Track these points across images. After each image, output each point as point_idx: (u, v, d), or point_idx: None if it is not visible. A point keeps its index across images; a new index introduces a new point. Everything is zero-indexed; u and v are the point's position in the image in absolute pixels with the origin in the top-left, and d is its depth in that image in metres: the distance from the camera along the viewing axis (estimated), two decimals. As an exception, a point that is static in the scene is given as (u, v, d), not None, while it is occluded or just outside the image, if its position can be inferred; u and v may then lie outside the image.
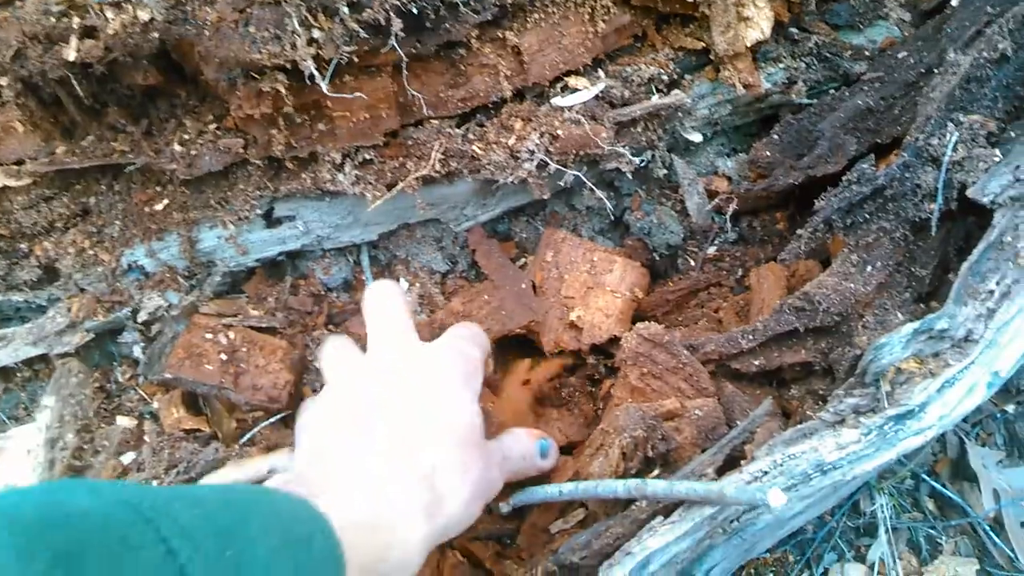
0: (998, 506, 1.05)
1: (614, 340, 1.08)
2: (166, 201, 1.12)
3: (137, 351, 1.16)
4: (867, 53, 1.17)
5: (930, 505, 1.08)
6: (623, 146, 1.08)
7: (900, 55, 1.13)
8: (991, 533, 1.04)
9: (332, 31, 0.95)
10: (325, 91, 0.96)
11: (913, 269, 0.98)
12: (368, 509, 0.68)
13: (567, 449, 1.05)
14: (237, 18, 0.96)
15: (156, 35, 0.98)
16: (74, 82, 1.02)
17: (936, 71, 1.04)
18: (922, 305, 0.97)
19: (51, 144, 1.10)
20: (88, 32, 0.99)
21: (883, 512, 1.06)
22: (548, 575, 0.92)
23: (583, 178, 1.08)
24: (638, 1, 1.09)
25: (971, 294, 0.87)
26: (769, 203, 1.17)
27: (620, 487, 0.88)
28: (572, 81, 1.10)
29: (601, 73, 1.11)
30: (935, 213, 0.94)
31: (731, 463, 0.89)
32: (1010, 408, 1.11)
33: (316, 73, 0.95)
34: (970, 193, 0.90)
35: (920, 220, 0.96)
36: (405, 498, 0.72)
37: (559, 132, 1.07)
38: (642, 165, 1.13)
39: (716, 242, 1.18)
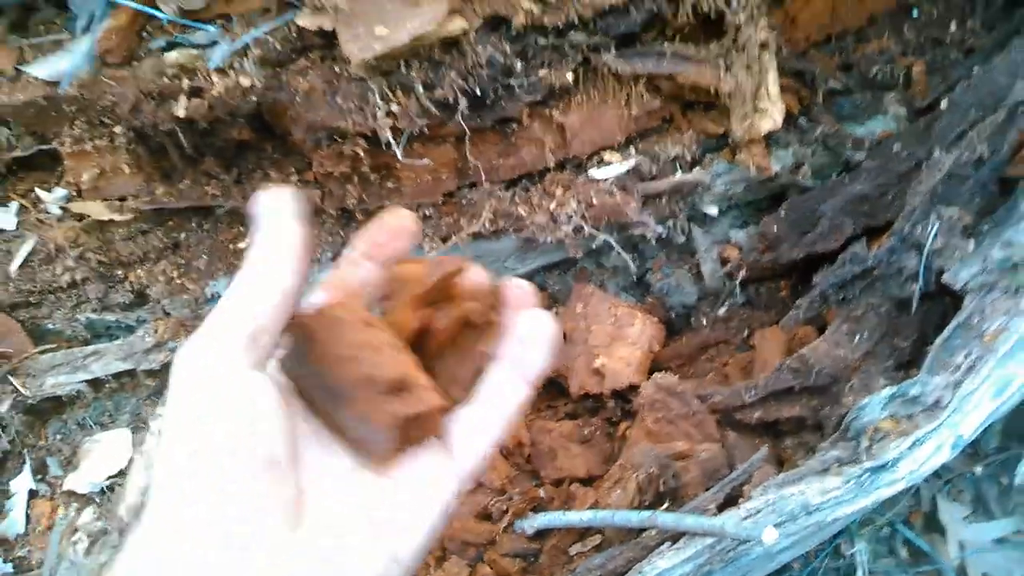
0: (962, 556, 1.19)
1: (632, 387, 1.23)
2: (249, 240, 1.28)
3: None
4: (867, 144, 1.32)
5: (903, 552, 1.22)
6: (649, 215, 1.24)
7: (895, 147, 1.28)
8: (956, 578, 1.18)
9: (408, 106, 1.11)
10: (399, 157, 1.12)
11: (896, 340, 1.13)
12: None
13: (587, 481, 1.20)
14: (326, 89, 1.13)
15: (254, 98, 1.15)
16: (179, 134, 1.19)
17: (924, 165, 1.19)
18: (902, 372, 1.12)
19: (152, 185, 1.26)
20: (196, 92, 1.15)
21: (861, 556, 1.20)
22: (566, 589, 1.07)
23: (612, 242, 1.24)
24: (668, 90, 1.24)
25: (942, 366, 1.02)
26: (775, 272, 1.32)
27: (634, 517, 1.03)
28: (607, 156, 1.26)
29: (633, 150, 1.27)
30: (916, 293, 1.09)
31: (730, 500, 1.04)
32: (978, 469, 1.25)
33: (392, 141, 1.11)
34: (945, 279, 1.05)
35: (904, 298, 1.11)
36: None
37: (594, 200, 1.23)
38: (664, 233, 1.28)
39: (726, 304, 1.33)
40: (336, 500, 0.45)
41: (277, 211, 0.48)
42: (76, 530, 1.10)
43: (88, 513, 1.17)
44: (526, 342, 0.51)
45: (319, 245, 1.27)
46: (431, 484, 0.47)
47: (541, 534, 1.14)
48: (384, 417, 0.44)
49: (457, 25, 1.06)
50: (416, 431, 0.46)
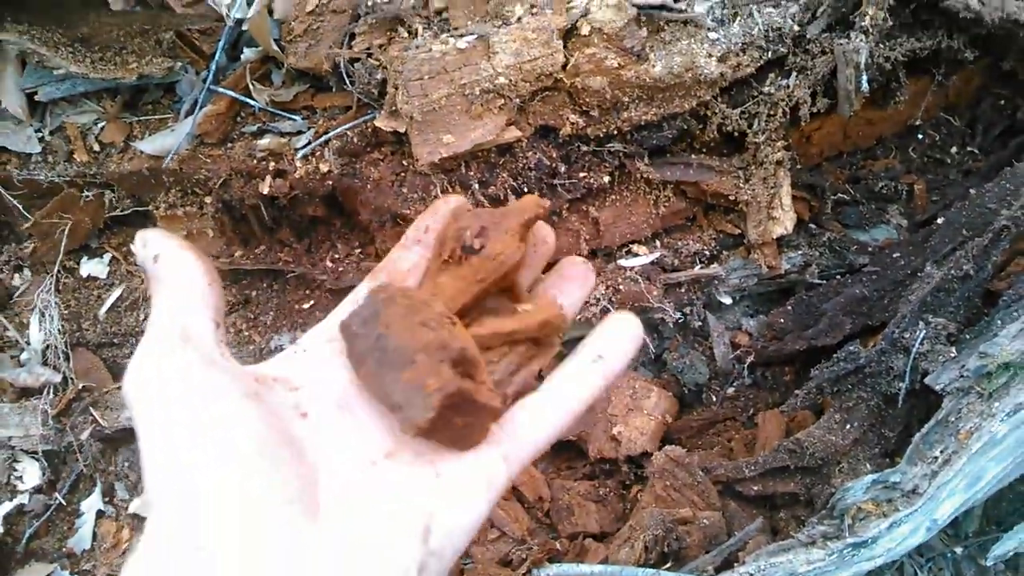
0: (940, 629, 1.31)
1: (646, 454, 1.37)
2: (312, 302, 1.45)
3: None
4: (869, 249, 1.47)
5: (886, 623, 1.34)
6: (669, 302, 1.39)
7: (894, 255, 1.42)
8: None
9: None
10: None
11: (883, 431, 1.26)
12: None
13: (600, 537, 1.33)
14: (394, 180, 1.30)
15: (330, 183, 1.32)
16: (262, 208, 1.36)
17: (919, 275, 1.34)
18: (888, 459, 1.26)
19: (231, 248, 1.44)
20: (280, 174, 1.33)
21: (846, 622, 1.32)
22: (576, 633, 1.20)
23: (635, 324, 1.39)
24: (692, 194, 1.41)
25: (920, 458, 1.16)
26: (780, 359, 1.46)
27: (640, 573, 1.17)
28: (635, 248, 1.42)
29: (658, 244, 1.43)
30: (903, 391, 1.23)
31: (727, 564, 1.18)
32: (958, 550, 1.38)
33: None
34: (928, 380, 1.19)
35: (891, 394, 1.25)
36: None
37: (621, 287, 1.38)
38: (682, 318, 1.43)
39: (735, 384, 1.47)
40: (364, 488, 0.43)
41: (158, 241, 0.49)
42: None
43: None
44: (614, 339, 0.52)
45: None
46: (478, 476, 0.46)
47: (556, 583, 1.28)
48: (438, 383, 0.43)
49: (513, 134, 1.23)
50: (460, 416, 0.45)
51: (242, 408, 0.42)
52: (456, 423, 0.45)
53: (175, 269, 0.47)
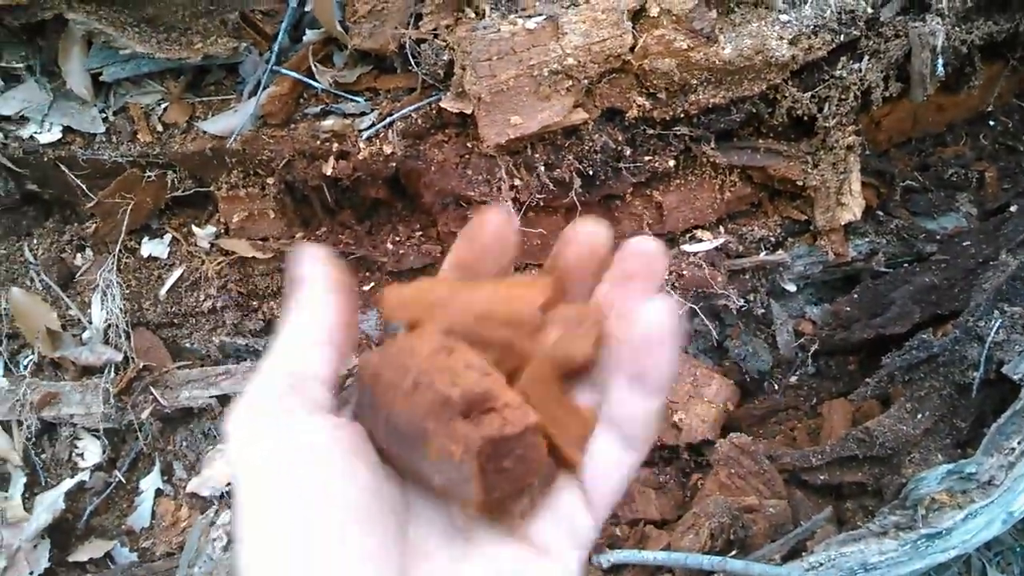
0: (1007, 624, 1.29)
1: (706, 442, 1.35)
2: (373, 284, 1.45)
3: (328, 396, 1.47)
4: (938, 237, 1.44)
5: (953, 615, 1.32)
6: (732, 289, 1.38)
7: (965, 243, 1.39)
8: (1000, 644, 1.28)
9: (529, 182, 1.27)
10: (516, 225, 1.27)
11: (955, 421, 1.24)
12: None
13: (660, 523, 1.32)
14: (458, 162, 1.29)
15: (394, 164, 1.31)
16: (324, 189, 1.36)
17: (991, 264, 1.31)
18: (959, 450, 1.23)
19: (292, 229, 1.44)
20: (343, 155, 1.33)
21: (912, 615, 1.30)
22: (638, 620, 1.19)
23: (696, 310, 1.37)
24: (758, 179, 1.38)
25: (997, 448, 1.13)
26: (845, 348, 1.44)
27: (705, 561, 1.16)
28: (699, 233, 1.40)
29: (722, 230, 1.41)
30: (976, 380, 1.21)
31: (793, 553, 1.16)
32: (1027, 543, 1.35)
33: (512, 210, 1.27)
34: (1005, 370, 1.17)
35: (964, 384, 1.22)
36: None
37: (684, 272, 1.36)
38: (745, 305, 1.41)
39: (798, 373, 1.45)
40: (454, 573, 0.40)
41: (312, 265, 0.46)
42: (215, 527, 1.25)
43: (228, 514, 1.33)
44: (644, 347, 0.42)
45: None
46: (559, 533, 0.42)
47: (616, 568, 1.27)
48: (461, 446, 0.38)
49: (580, 116, 1.21)
50: (510, 463, 0.39)
51: (344, 469, 0.39)
52: (512, 470, 0.39)
53: (310, 300, 0.44)
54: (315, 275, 0.45)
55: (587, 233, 0.50)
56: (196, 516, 1.47)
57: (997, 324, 1.21)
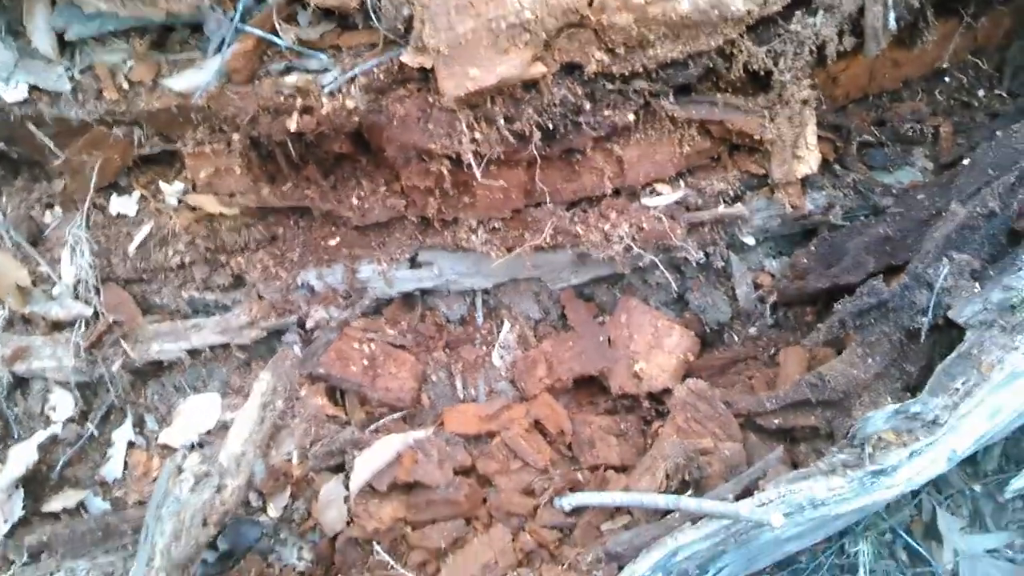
0: (956, 562, 1.32)
1: (667, 391, 1.38)
2: (338, 239, 1.47)
3: (296, 349, 1.50)
4: (894, 191, 1.47)
5: (903, 555, 1.36)
6: (692, 241, 1.40)
7: (919, 196, 1.42)
8: (948, 582, 1.32)
9: (489, 135, 1.28)
10: (478, 177, 1.29)
11: (905, 366, 1.27)
12: None
13: (621, 469, 1.35)
14: (420, 116, 1.31)
15: (356, 119, 1.33)
16: (288, 144, 1.37)
17: (943, 214, 1.34)
18: (909, 394, 1.26)
19: (259, 185, 1.45)
20: (306, 110, 1.34)
21: (864, 556, 1.34)
22: (597, 560, 1.22)
23: (657, 262, 1.40)
24: (717, 133, 1.41)
25: (942, 389, 1.16)
26: (802, 299, 1.47)
27: (661, 500, 1.19)
28: (659, 187, 1.43)
29: (682, 183, 1.44)
30: (925, 325, 1.24)
31: (747, 493, 1.19)
32: (977, 487, 1.39)
33: (473, 163, 1.29)
34: (951, 314, 1.20)
35: (914, 329, 1.25)
36: None
37: (644, 225, 1.39)
38: (705, 258, 1.43)
39: (756, 324, 1.48)
40: None
41: None
42: (182, 470, 1.27)
43: (194, 457, 1.35)
44: None
45: (399, 247, 1.45)
46: None
47: (577, 511, 1.30)
48: None
49: (538, 70, 1.23)
50: None
51: None
52: None
53: None
54: None
55: None
56: (183, 458, 1.49)
57: (945, 271, 1.24)
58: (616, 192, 1.43)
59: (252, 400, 1.37)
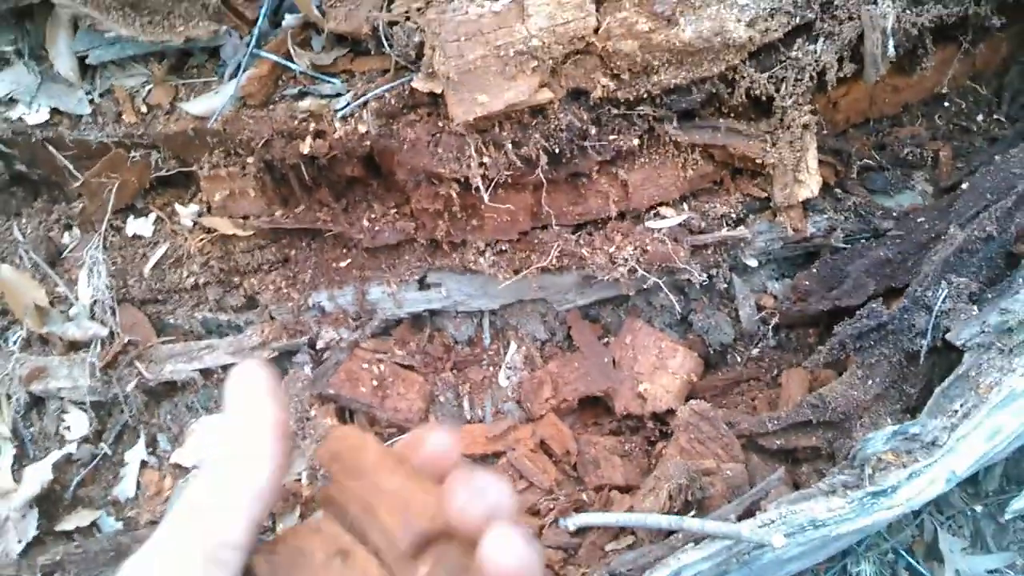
0: (958, 582, 1.34)
1: (671, 411, 1.41)
2: (349, 261, 1.50)
3: (307, 370, 1.53)
4: (894, 214, 1.49)
5: (904, 575, 1.38)
6: (695, 264, 1.43)
7: (919, 220, 1.45)
8: (950, 603, 1.33)
9: (497, 159, 1.32)
10: (485, 200, 1.32)
11: (904, 387, 1.29)
12: None
13: (625, 489, 1.37)
14: (430, 140, 1.34)
15: (368, 143, 1.36)
16: (302, 167, 1.41)
17: (943, 238, 1.36)
18: (909, 415, 1.28)
19: (272, 208, 1.49)
20: (319, 134, 1.37)
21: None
22: (601, 579, 1.24)
23: (661, 284, 1.42)
24: (720, 158, 1.43)
25: (941, 411, 1.18)
26: (804, 321, 1.49)
27: (664, 521, 1.21)
28: (663, 210, 1.46)
29: (686, 206, 1.46)
30: (924, 347, 1.26)
31: (748, 514, 1.21)
32: (978, 508, 1.40)
33: (481, 186, 1.32)
34: (949, 336, 1.22)
35: (913, 351, 1.27)
36: None
37: (648, 247, 1.41)
38: (708, 280, 1.46)
39: (759, 345, 1.50)
40: None
41: (249, 392, 0.43)
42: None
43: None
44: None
45: (408, 269, 1.48)
46: None
47: (581, 531, 1.32)
48: None
49: (545, 96, 1.26)
50: None
51: None
52: None
53: (244, 448, 0.42)
54: (248, 404, 0.43)
55: (434, 443, 0.49)
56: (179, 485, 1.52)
57: (944, 294, 1.26)
58: (621, 215, 1.46)
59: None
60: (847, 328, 1.30)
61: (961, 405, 1.18)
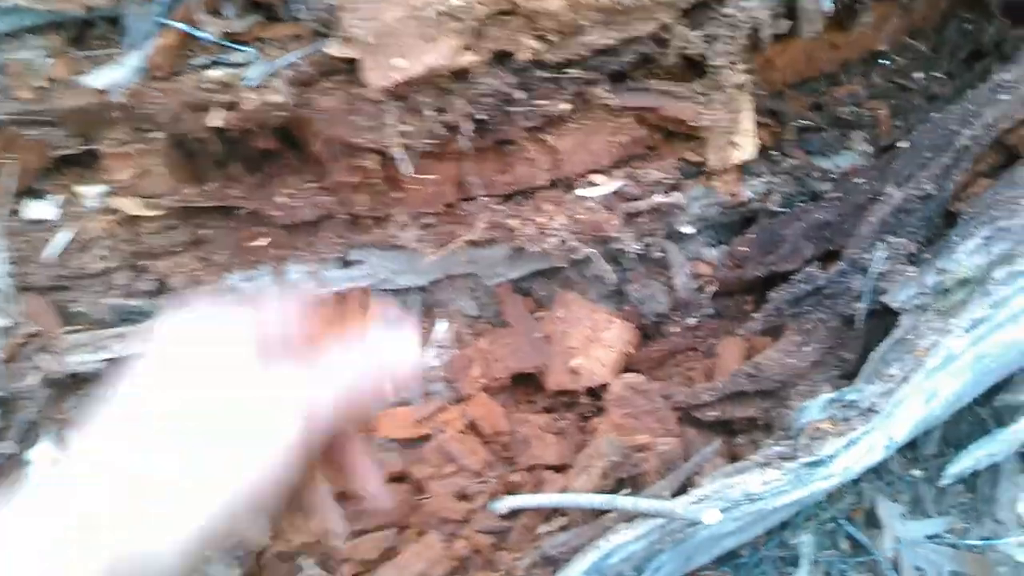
0: (898, 549, 1.31)
1: (606, 386, 1.36)
2: (266, 239, 1.42)
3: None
4: (832, 175, 1.45)
5: (845, 545, 1.34)
6: (629, 233, 1.37)
7: (857, 180, 1.41)
8: (891, 571, 1.30)
9: (419, 128, 1.25)
10: (407, 171, 1.25)
11: (842, 353, 1.25)
12: None
13: (559, 468, 1.32)
14: (346, 109, 1.27)
15: (282, 113, 1.28)
16: (212, 142, 1.33)
17: (880, 198, 1.32)
18: (847, 381, 1.25)
19: (182, 185, 1.40)
20: (230, 106, 1.29)
21: (806, 547, 1.33)
22: (533, 564, 1.19)
23: (593, 255, 1.37)
24: (653, 121, 1.38)
25: (878, 376, 1.15)
26: (741, 287, 1.45)
27: (596, 500, 1.16)
28: (595, 178, 1.40)
29: (619, 173, 1.41)
30: (861, 311, 1.22)
31: (683, 489, 1.17)
32: (917, 472, 1.38)
33: (402, 157, 1.25)
34: (884, 299, 1.18)
35: (850, 315, 1.24)
36: None
37: (580, 217, 1.36)
38: (642, 249, 1.41)
39: (696, 315, 1.45)
40: None
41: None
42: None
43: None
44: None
45: (328, 246, 1.41)
46: None
47: (513, 514, 1.27)
48: None
49: (467, 59, 1.19)
50: None
51: None
52: None
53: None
54: None
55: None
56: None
57: (881, 255, 1.22)
58: (552, 184, 1.40)
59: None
60: (782, 293, 1.26)
61: (898, 369, 1.14)
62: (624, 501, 1.13)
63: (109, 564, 0.41)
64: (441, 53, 1.20)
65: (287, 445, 0.46)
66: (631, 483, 1.20)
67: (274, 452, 0.45)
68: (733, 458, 1.24)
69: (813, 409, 1.12)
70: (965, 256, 1.14)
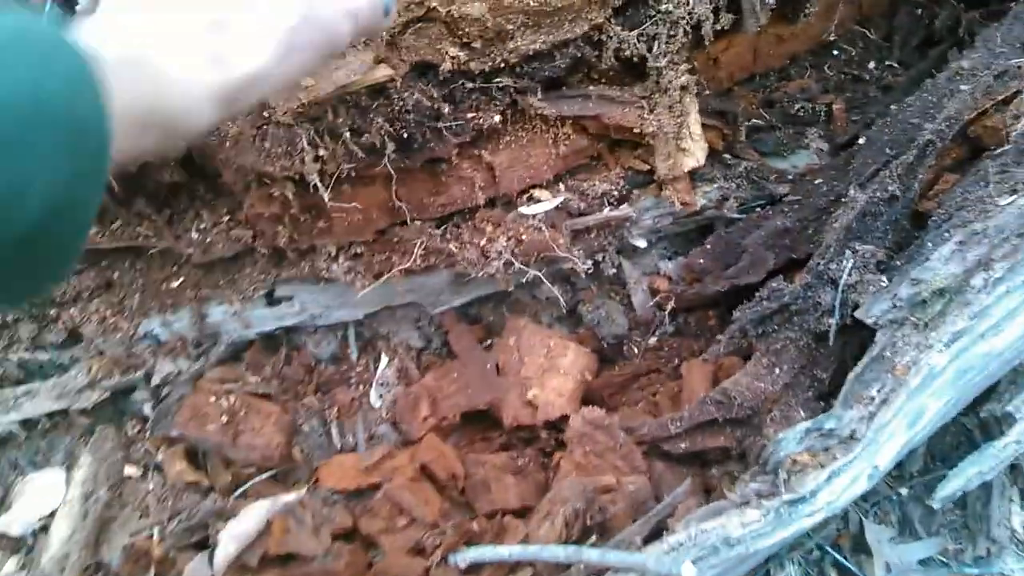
0: (889, 575, 1.22)
1: (566, 417, 1.25)
2: (181, 279, 1.29)
3: (147, 409, 1.31)
4: (790, 176, 1.36)
5: (833, 574, 1.25)
6: (577, 251, 1.27)
7: (816, 181, 1.32)
8: (881, 599, 1.22)
9: (335, 151, 1.12)
10: (326, 199, 1.13)
11: (815, 372, 1.16)
12: (130, 42, 0.54)
13: (521, 513, 1.21)
14: (255, 134, 1.14)
15: (184, 142, 1.15)
16: (110, 177, 1.18)
17: (842, 200, 1.23)
18: (822, 403, 1.16)
19: (82, 227, 1.26)
20: (125, 138, 1.15)
21: (791, 578, 1.24)
22: (498, 622, 1.08)
23: (541, 277, 1.26)
24: (594, 130, 1.27)
25: (856, 399, 1.06)
26: (703, 302, 1.35)
27: (561, 553, 1.05)
28: (537, 193, 1.29)
29: (562, 187, 1.30)
30: (833, 327, 1.13)
31: (656, 533, 1.07)
32: (903, 491, 1.29)
33: (320, 184, 1.13)
34: (858, 314, 1.09)
35: (821, 332, 1.14)
36: (181, 37, 0.57)
37: (523, 236, 1.25)
38: (593, 266, 1.30)
39: (656, 333, 1.35)
40: None
41: None
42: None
43: (11, 563, 1.17)
44: None
45: (251, 284, 1.28)
46: None
47: (474, 568, 1.15)
48: None
49: (383, 73, 1.07)
50: None
51: None
52: None
53: None
54: None
55: None
56: (6, 560, 1.29)
57: (849, 265, 1.13)
58: (490, 203, 1.29)
59: (72, 492, 1.18)
60: (747, 313, 1.17)
61: (878, 391, 1.05)
62: (591, 553, 1.02)
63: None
64: (352, 69, 1.07)
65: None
66: (598, 529, 1.10)
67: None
68: (707, 491, 1.15)
69: (790, 441, 1.03)
70: (940, 264, 1.05)
